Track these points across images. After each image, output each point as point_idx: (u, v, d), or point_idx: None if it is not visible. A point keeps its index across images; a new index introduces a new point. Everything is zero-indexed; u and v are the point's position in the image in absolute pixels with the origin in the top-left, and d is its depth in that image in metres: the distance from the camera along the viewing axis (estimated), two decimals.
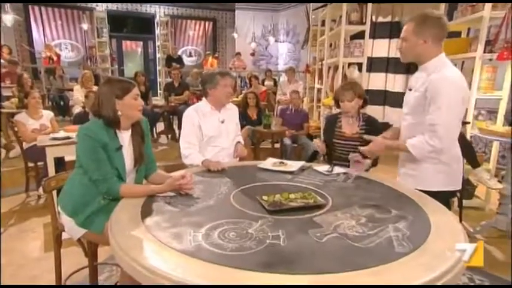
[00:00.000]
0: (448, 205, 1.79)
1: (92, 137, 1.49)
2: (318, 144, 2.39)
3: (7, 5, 6.44)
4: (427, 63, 1.63)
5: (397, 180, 1.91)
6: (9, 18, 6.63)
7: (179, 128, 5.49)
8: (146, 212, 1.34)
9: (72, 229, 1.59)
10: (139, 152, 1.66)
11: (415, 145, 1.62)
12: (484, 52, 3.00)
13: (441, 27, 1.59)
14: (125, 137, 1.63)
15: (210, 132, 2.31)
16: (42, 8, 8.90)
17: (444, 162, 1.67)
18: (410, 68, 5.11)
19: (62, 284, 1.82)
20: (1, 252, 2.32)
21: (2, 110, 4.45)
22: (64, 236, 1.74)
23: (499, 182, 2.93)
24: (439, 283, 0.92)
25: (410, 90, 1.75)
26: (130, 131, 1.66)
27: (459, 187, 1.78)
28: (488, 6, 2.92)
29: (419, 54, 1.63)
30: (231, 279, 0.92)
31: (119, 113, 1.56)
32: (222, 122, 2.36)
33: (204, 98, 2.40)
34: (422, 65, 1.66)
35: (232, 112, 2.45)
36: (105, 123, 1.55)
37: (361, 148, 1.84)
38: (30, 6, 8.67)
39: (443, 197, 1.68)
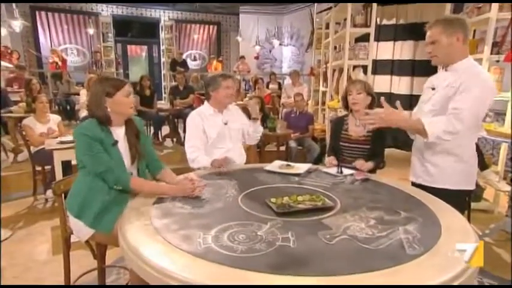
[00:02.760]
0: (465, 205, 1.76)
1: (87, 134, 1.52)
2: (329, 162, 2.29)
3: (16, 11, 6.54)
4: (456, 64, 1.64)
5: (411, 179, 1.90)
6: (17, 24, 6.73)
7: (184, 131, 5.51)
8: (155, 214, 1.34)
9: (80, 231, 1.60)
10: (136, 149, 1.68)
11: (432, 121, 1.60)
12: (491, 53, 2.99)
13: (467, 27, 1.63)
14: (119, 133, 1.65)
15: (213, 134, 2.32)
16: (49, 13, 9.03)
17: (464, 160, 1.69)
18: (415, 70, 5.12)
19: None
20: (7, 254, 2.35)
21: (10, 115, 4.50)
22: (72, 238, 1.75)
23: (508, 184, 2.90)
24: (455, 284, 0.92)
25: (433, 89, 1.75)
26: (124, 128, 1.68)
27: (474, 187, 1.77)
28: (494, 7, 2.92)
29: (453, 53, 1.64)
30: (241, 281, 0.92)
31: (108, 109, 1.58)
32: (225, 123, 2.37)
33: (206, 102, 2.42)
34: (450, 66, 1.67)
35: (234, 113, 2.46)
36: (97, 121, 1.58)
37: (376, 110, 1.75)
38: (37, 12, 8.80)
39: (462, 196, 1.69)
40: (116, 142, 1.60)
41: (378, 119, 1.64)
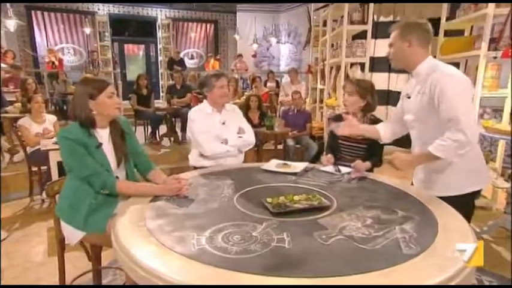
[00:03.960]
0: (473, 207, 1.70)
1: (70, 138, 1.50)
2: (326, 160, 2.26)
3: (10, 10, 6.49)
4: (417, 67, 1.64)
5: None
6: (12, 23, 6.67)
7: (182, 130, 5.49)
8: (149, 215, 1.32)
9: (70, 234, 1.59)
10: (121, 150, 1.65)
11: (438, 148, 1.51)
12: (488, 50, 2.97)
13: (424, 31, 1.62)
14: (103, 135, 1.62)
15: (212, 133, 2.30)
16: (45, 13, 8.97)
17: (465, 161, 1.58)
18: None
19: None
20: (3, 255, 2.33)
21: (6, 115, 4.47)
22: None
23: (506, 181, 2.90)
24: (452, 283, 0.91)
25: (409, 97, 1.72)
26: (108, 129, 1.65)
27: (484, 184, 1.71)
28: (491, 3, 2.90)
29: (407, 58, 1.65)
30: (235, 282, 0.91)
31: (94, 112, 1.55)
32: (223, 123, 2.36)
33: (205, 100, 2.41)
34: (413, 70, 1.67)
35: (232, 114, 2.44)
36: (80, 123, 1.55)
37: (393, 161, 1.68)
38: (33, 11, 8.74)
39: (468, 199, 1.62)
40: (100, 145, 1.57)
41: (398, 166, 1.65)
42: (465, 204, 1.54)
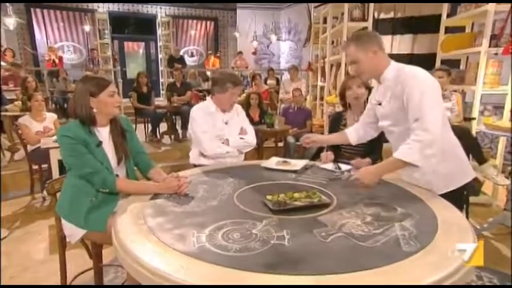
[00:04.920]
0: (463, 201, 1.69)
1: (71, 136, 1.49)
2: (325, 157, 2.24)
3: (9, 8, 6.48)
4: (384, 73, 1.63)
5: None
6: (11, 22, 6.67)
7: (182, 128, 5.49)
8: (149, 213, 1.33)
9: (71, 232, 1.59)
10: (122, 148, 1.65)
11: (403, 152, 1.47)
12: (489, 46, 2.97)
13: (375, 36, 1.64)
14: (103, 133, 1.62)
15: (214, 132, 2.30)
16: (45, 11, 8.97)
17: (446, 159, 1.56)
18: (413, 64, 5.09)
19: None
20: (4, 254, 2.34)
21: (6, 113, 4.47)
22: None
23: (506, 178, 2.89)
24: (448, 283, 0.91)
25: (380, 104, 1.71)
26: (108, 127, 1.65)
27: (471, 177, 1.68)
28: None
29: (375, 67, 1.63)
30: (235, 281, 0.91)
31: (94, 110, 1.55)
32: (226, 123, 2.35)
33: (209, 98, 2.39)
34: (380, 77, 1.66)
35: (235, 114, 2.43)
36: (80, 121, 1.55)
37: (355, 176, 1.65)
38: (32, 9, 8.73)
39: (460, 194, 1.62)
40: (100, 143, 1.57)
41: (365, 184, 1.58)
42: (458, 199, 1.54)
